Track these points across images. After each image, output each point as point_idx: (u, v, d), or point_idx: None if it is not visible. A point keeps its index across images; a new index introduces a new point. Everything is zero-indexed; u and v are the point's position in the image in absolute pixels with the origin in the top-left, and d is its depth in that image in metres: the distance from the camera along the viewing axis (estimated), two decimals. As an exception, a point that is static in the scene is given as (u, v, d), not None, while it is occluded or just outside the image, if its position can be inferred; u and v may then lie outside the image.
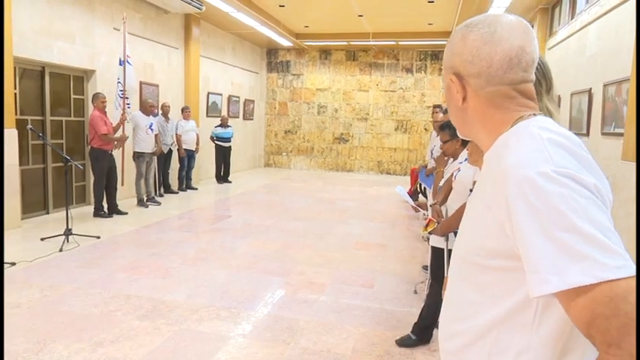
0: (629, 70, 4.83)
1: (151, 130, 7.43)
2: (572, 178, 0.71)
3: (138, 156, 7.33)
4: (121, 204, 6.98)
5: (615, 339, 0.63)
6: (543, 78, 0.92)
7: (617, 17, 5.58)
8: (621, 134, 4.99)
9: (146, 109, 7.40)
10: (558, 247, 0.68)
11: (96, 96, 6.47)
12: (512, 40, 0.85)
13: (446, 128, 3.06)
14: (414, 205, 3.56)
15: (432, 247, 3.04)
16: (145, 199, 7.55)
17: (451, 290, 0.95)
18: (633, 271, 0.65)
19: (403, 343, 3.05)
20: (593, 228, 0.67)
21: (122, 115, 6.51)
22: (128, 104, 6.63)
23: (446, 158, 3.22)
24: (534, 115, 0.85)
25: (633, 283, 0.64)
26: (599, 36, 6.13)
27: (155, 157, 7.73)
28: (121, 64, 6.50)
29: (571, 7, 7.61)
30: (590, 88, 6.19)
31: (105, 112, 6.49)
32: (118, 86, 6.57)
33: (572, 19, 7.41)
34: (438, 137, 4.01)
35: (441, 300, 3.09)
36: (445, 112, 5.53)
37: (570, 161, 0.73)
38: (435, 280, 3.04)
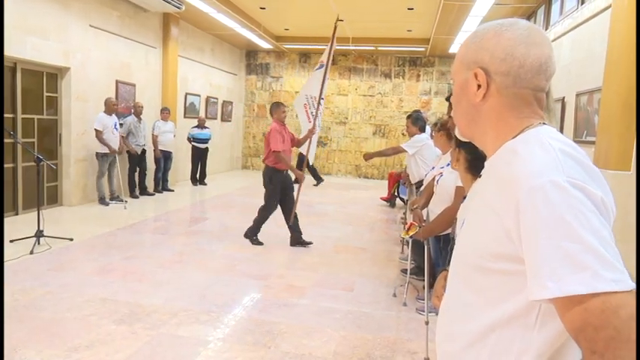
0: (600, 81, 5.00)
1: (116, 129, 7.38)
2: (582, 190, 0.73)
3: (101, 156, 7.27)
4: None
5: (600, 349, 0.66)
6: None
7: (588, 29, 5.78)
8: (593, 142, 5.15)
9: (110, 108, 7.29)
10: (560, 256, 0.70)
11: (276, 105, 5.57)
12: (543, 47, 0.88)
13: None
14: None
15: None
16: (109, 197, 7.48)
17: (450, 293, 0.95)
18: (628, 287, 0.67)
19: None
20: (595, 240, 0.69)
21: (312, 127, 5.76)
22: (311, 112, 5.89)
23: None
24: (542, 124, 0.87)
25: (627, 298, 0.67)
26: (572, 47, 6.34)
27: (117, 157, 7.52)
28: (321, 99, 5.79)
29: (545, 19, 7.85)
30: (564, 97, 6.39)
31: (285, 125, 5.56)
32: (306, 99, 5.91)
33: (546, 29, 7.64)
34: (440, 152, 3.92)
35: None
36: (415, 121, 5.41)
37: (580, 172, 0.75)
38: None
